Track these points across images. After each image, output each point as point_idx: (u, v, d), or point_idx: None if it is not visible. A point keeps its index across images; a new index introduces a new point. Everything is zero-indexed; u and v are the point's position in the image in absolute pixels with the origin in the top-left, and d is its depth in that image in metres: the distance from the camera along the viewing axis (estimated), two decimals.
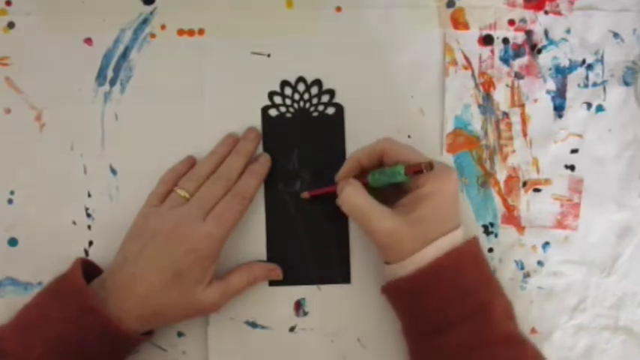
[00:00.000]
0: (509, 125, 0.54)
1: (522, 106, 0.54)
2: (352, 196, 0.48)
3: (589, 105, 0.54)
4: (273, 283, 0.53)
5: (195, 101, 0.53)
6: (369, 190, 0.48)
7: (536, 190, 0.54)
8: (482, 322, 0.45)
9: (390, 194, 0.49)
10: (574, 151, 0.54)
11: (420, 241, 0.46)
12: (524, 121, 0.54)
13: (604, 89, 0.54)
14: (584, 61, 0.54)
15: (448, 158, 0.54)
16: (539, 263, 0.54)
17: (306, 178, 0.53)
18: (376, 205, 0.47)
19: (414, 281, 0.46)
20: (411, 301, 0.47)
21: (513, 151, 0.54)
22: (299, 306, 0.53)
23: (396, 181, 0.47)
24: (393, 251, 0.47)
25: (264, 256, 0.53)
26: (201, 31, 0.54)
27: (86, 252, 0.53)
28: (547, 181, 0.54)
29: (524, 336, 0.47)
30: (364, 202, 0.47)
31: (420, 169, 0.45)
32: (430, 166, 0.45)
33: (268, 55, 0.54)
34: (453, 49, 0.54)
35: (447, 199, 0.47)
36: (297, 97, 0.54)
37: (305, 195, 0.52)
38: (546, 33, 0.54)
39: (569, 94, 0.54)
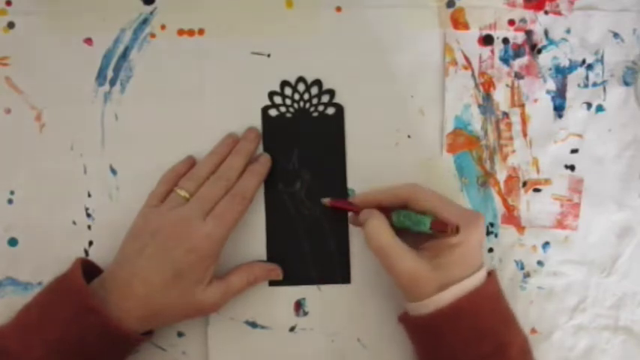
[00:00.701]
0: (509, 125, 0.54)
1: (522, 106, 0.54)
2: (378, 232, 0.47)
3: (589, 105, 0.54)
4: (273, 283, 0.53)
5: (195, 101, 0.53)
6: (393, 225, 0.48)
7: (536, 190, 0.54)
8: None
9: (409, 231, 0.48)
10: (574, 151, 0.54)
11: (440, 284, 0.46)
12: (524, 121, 0.54)
13: (604, 89, 0.54)
14: (584, 61, 0.54)
15: (448, 158, 0.54)
16: (539, 263, 0.54)
17: (306, 178, 0.53)
18: (401, 246, 0.46)
19: (432, 321, 0.46)
20: (429, 339, 0.47)
21: (513, 151, 0.54)
22: (299, 306, 0.53)
23: (419, 230, 0.46)
24: (414, 292, 0.46)
25: (264, 256, 0.53)
26: (201, 31, 0.54)
27: (86, 252, 0.53)
28: (547, 181, 0.54)
29: None
30: (390, 240, 0.46)
31: (445, 230, 0.45)
32: (457, 230, 0.45)
33: (268, 55, 0.54)
34: (453, 49, 0.54)
35: (472, 248, 0.47)
36: (297, 97, 0.54)
37: (326, 202, 0.52)
38: (546, 33, 0.54)
39: (569, 94, 0.54)
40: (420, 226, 0.46)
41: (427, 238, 0.47)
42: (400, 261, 0.46)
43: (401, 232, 0.47)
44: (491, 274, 0.48)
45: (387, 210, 0.48)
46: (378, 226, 0.47)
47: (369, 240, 0.47)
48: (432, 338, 0.47)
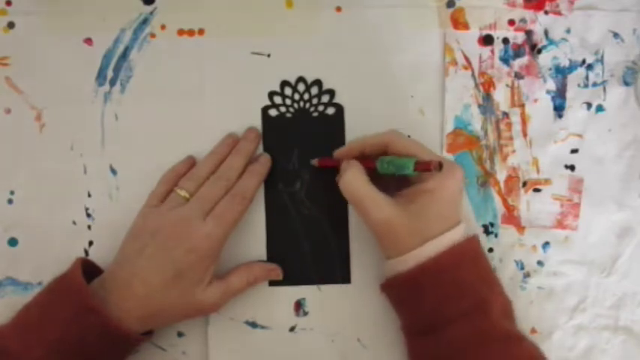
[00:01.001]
0: (509, 125, 0.54)
1: (522, 106, 0.54)
2: (353, 181, 0.47)
3: (589, 105, 0.54)
4: (273, 283, 0.53)
5: (195, 101, 0.53)
6: (370, 174, 0.48)
7: (536, 190, 0.54)
8: (480, 319, 0.45)
9: (390, 180, 0.48)
10: (574, 151, 0.54)
11: (420, 237, 0.46)
12: (524, 121, 0.54)
13: (604, 89, 0.54)
14: (584, 61, 0.54)
15: (448, 158, 0.53)
16: (539, 263, 0.54)
17: (306, 178, 0.53)
18: (376, 193, 0.47)
19: (412, 277, 0.46)
20: (410, 298, 0.47)
21: (513, 151, 0.54)
22: (299, 306, 0.53)
23: (403, 174, 0.47)
24: (391, 243, 0.47)
25: (264, 256, 0.53)
26: (201, 31, 0.54)
27: (86, 252, 0.53)
28: (547, 181, 0.54)
29: (522, 334, 0.47)
30: (365, 188, 0.47)
31: (429, 167, 0.45)
32: (439, 166, 0.45)
33: (268, 55, 0.54)
34: (453, 49, 0.54)
35: (449, 196, 0.47)
36: (297, 97, 0.54)
37: (314, 162, 0.52)
38: (546, 33, 0.54)
39: (569, 94, 0.54)
40: (404, 169, 0.46)
41: (404, 184, 0.47)
42: (376, 208, 0.46)
43: (380, 185, 0.47)
44: (473, 237, 0.48)
45: (370, 161, 0.49)
46: (354, 175, 0.47)
47: (345, 190, 0.48)
48: (412, 295, 0.47)
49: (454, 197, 0.47)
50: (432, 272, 0.45)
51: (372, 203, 0.46)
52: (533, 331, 0.53)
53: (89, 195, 0.53)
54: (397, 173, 0.47)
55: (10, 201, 0.53)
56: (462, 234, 0.47)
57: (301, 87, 0.54)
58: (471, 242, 0.47)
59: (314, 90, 0.54)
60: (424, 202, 0.46)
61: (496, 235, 0.54)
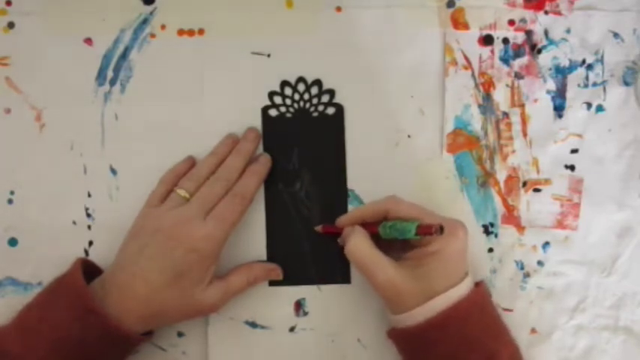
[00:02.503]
0: (509, 125, 0.54)
1: (522, 106, 0.54)
2: (359, 246, 0.48)
3: (589, 105, 0.54)
4: (273, 283, 0.53)
5: (195, 101, 0.53)
6: (374, 238, 0.48)
7: (536, 190, 0.54)
8: None
9: (394, 244, 0.49)
10: (574, 151, 0.54)
11: (425, 295, 0.46)
12: (524, 121, 0.54)
13: (604, 89, 0.54)
14: (584, 61, 0.54)
15: (448, 158, 0.54)
16: (539, 263, 0.54)
17: (306, 178, 0.53)
18: (381, 257, 0.47)
19: (420, 332, 0.46)
20: (417, 351, 0.47)
21: (513, 151, 0.54)
22: (299, 306, 0.53)
23: (405, 238, 0.47)
24: (397, 304, 0.47)
25: (264, 256, 0.53)
26: (201, 31, 0.54)
27: (86, 252, 0.53)
28: (547, 181, 0.54)
29: None
30: (370, 252, 0.47)
31: (430, 232, 0.45)
32: (441, 230, 0.45)
33: (268, 55, 0.54)
34: (453, 49, 0.54)
35: (454, 255, 0.47)
36: (297, 97, 0.54)
37: (319, 229, 0.52)
38: (546, 33, 0.54)
39: (569, 94, 0.54)
40: (406, 233, 0.46)
41: (408, 246, 0.48)
42: (381, 273, 0.47)
43: (384, 247, 0.48)
44: (479, 285, 0.48)
45: (372, 225, 0.49)
46: (359, 240, 0.48)
47: (351, 255, 0.48)
48: (420, 350, 0.47)
49: (459, 256, 0.47)
50: (439, 327, 0.46)
51: (376, 267, 0.47)
52: (533, 331, 0.53)
53: (89, 195, 0.53)
54: (399, 237, 0.47)
55: (10, 201, 0.53)
56: (468, 287, 0.47)
57: (301, 87, 0.54)
58: (477, 293, 0.48)
59: (314, 90, 0.54)
60: (429, 263, 0.46)
61: (496, 235, 0.54)
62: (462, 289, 0.47)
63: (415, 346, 0.47)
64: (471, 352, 0.45)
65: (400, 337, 0.48)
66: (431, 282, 0.46)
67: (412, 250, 0.48)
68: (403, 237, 0.47)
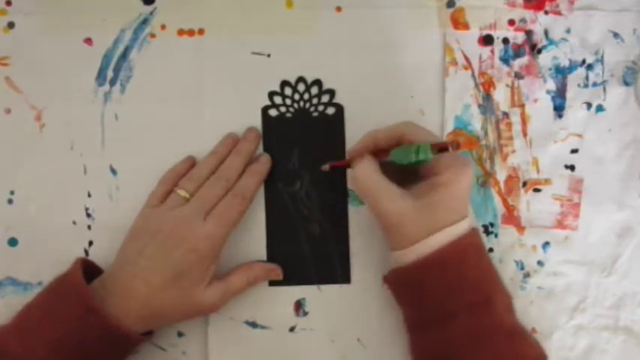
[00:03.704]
0: (509, 125, 0.54)
1: (522, 106, 0.54)
2: (365, 173, 0.47)
3: (589, 105, 0.54)
4: (273, 283, 0.53)
5: (195, 101, 0.53)
6: (383, 169, 0.47)
7: (536, 190, 0.54)
8: (486, 314, 0.45)
9: (403, 175, 0.48)
10: (574, 151, 0.54)
11: (427, 229, 0.45)
12: (524, 121, 0.54)
13: (604, 89, 0.54)
14: (584, 61, 0.54)
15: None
16: (539, 263, 0.54)
17: (306, 178, 0.53)
18: (388, 185, 0.46)
19: (417, 270, 0.46)
20: (414, 290, 0.47)
21: (513, 151, 0.54)
22: (299, 306, 0.53)
23: (418, 160, 0.45)
24: (397, 234, 0.46)
25: (264, 256, 0.53)
26: (201, 31, 0.54)
27: (86, 252, 0.53)
28: (547, 181, 0.54)
29: (525, 329, 0.47)
30: (377, 180, 0.46)
31: (446, 147, 0.44)
32: (457, 145, 0.44)
33: (268, 55, 0.54)
34: (453, 49, 0.54)
35: (462, 189, 0.46)
36: (297, 97, 0.54)
37: (326, 167, 0.52)
38: (546, 33, 0.54)
39: (569, 94, 0.54)
40: (421, 154, 0.45)
41: (416, 181, 0.47)
42: (386, 199, 0.46)
43: (392, 177, 0.47)
44: (474, 231, 0.47)
45: (384, 153, 0.48)
46: (366, 167, 0.47)
47: (356, 181, 0.47)
48: (416, 288, 0.46)
49: (466, 191, 0.47)
50: (435, 265, 0.45)
51: (383, 194, 0.46)
52: (534, 331, 0.53)
53: (89, 195, 0.53)
54: (414, 160, 0.46)
55: (10, 201, 0.53)
56: (466, 228, 0.47)
57: (301, 87, 0.54)
58: (474, 236, 0.47)
59: (314, 90, 0.54)
60: (437, 194, 0.45)
61: (496, 235, 0.54)
62: (460, 228, 0.46)
63: (410, 287, 0.47)
64: (466, 292, 0.45)
65: (397, 278, 0.48)
66: (435, 214, 0.45)
67: (421, 181, 0.47)
68: (417, 159, 0.45)
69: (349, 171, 0.50)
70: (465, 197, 0.47)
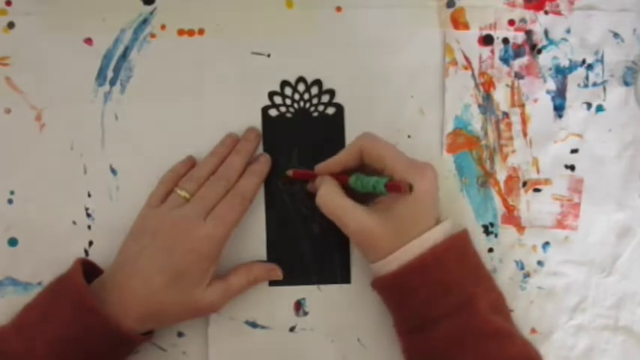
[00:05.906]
0: (509, 125, 0.54)
1: (522, 106, 0.54)
2: (328, 195, 0.48)
3: (589, 105, 0.54)
4: (273, 283, 0.53)
5: (195, 101, 0.53)
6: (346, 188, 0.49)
7: (536, 190, 0.54)
8: (467, 316, 0.45)
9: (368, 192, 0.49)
10: (574, 151, 0.54)
11: (399, 240, 0.46)
12: (524, 121, 0.54)
13: (604, 89, 0.54)
14: (584, 61, 0.54)
15: (448, 158, 0.54)
16: (539, 263, 0.54)
17: None
18: (351, 205, 0.48)
19: (398, 278, 0.46)
20: (398, 297, 0.48)
21: (513, 151, 0.54)
22: (299, 306, 0.53)
23: (375, 193, 0.47)
24: (371, 250, 0.48)
25: (264, 256, 0.53)
26: (201, 31, 0.54)
27: (86, 252, 0.53)
28: (547, 181, 0.54)
29: (514, 329, 0.47)
30: (340, 202, 0.48)
31: (399, 190, 0.46)
32: (410, 188, 0.45)
33: (268, 55, 0.54)
34: (453, 49, 0.54)
35: (423, 198, 0.47)
36: (297, 97, 0.54)
37: (289, 173, 0.52)
38: (546, 33, 0.54)
39: (569, 94, 0.54)
40: (376, 189, 0.47)
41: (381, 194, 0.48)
42: (352, 220, 0.47)
43: (356, 195, 0.48)
44: (462, 232, 0.48)
45: (344, 176, 0.49)
46: (328, 190, 0.48)
47: (322, 205, 0.49)
48: (400, 297, 0.47)
49: (428, 198, 0.47)
50: (416, 272, 0.46)
51: (347, 215, 0.47)
52: (533, 331, 0.53)
53: (89, 195, 0.53)
54: (369, 191, 0.48)
55: (10, 201, 0.53)
56: (444, 232, 0.47)
57: (301, 87, 0.54)
58: (457, 239, 0.47)
59: (314, 90, 0.54)
60: (399, 207, 0.46)
61: (496, 235, 0.54)
62: (437, 233, 0.46)
63: (396, 293, 0.48)
64: (448, 296, 0.46)
65: (381, 285, 0.48)
66: (403, 225, 0.46)
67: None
68: (373, 191, 0.47)
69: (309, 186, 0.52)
70: (429, 203, 0.47)
